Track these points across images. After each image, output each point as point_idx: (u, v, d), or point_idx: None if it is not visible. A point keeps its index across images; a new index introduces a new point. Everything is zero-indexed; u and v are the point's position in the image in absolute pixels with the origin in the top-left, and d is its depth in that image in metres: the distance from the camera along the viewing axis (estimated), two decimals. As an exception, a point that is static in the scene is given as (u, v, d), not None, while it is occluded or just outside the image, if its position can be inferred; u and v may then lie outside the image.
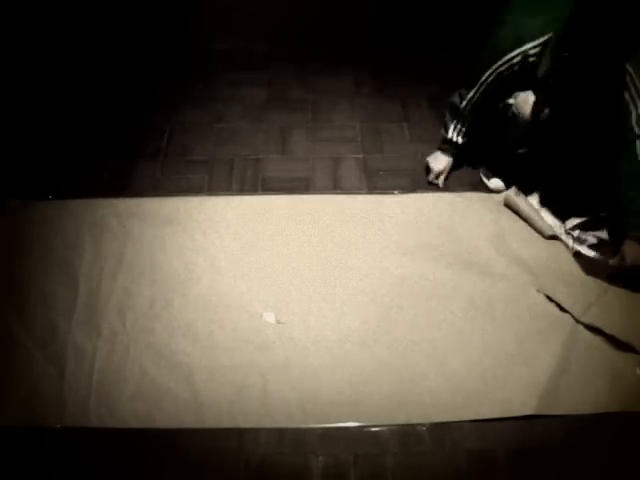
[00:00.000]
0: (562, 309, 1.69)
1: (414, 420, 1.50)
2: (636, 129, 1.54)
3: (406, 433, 1.49)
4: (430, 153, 2.05)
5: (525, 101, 1.72)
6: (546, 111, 1.69)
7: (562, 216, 1.90)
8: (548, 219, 1.89)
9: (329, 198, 1.98)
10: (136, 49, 2.53)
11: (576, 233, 1.86)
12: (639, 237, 1.64)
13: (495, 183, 1.99)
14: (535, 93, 1.70)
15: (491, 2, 1.70)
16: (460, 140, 1.94)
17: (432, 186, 2.02)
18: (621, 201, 1.65)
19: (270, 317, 1.68)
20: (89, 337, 1.64)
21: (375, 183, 2.04)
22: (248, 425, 1.50)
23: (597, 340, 1.63)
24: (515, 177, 1.95)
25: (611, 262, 1.74)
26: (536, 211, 1.90)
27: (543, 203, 1.92)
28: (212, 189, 2.02)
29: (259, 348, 1.62)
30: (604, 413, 1.51)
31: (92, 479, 1.44)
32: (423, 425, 1.50)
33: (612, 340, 1.62)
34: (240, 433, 1.49)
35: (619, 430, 1.49)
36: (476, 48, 1.74)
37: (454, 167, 2.05)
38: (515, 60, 1.64)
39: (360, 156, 2.12)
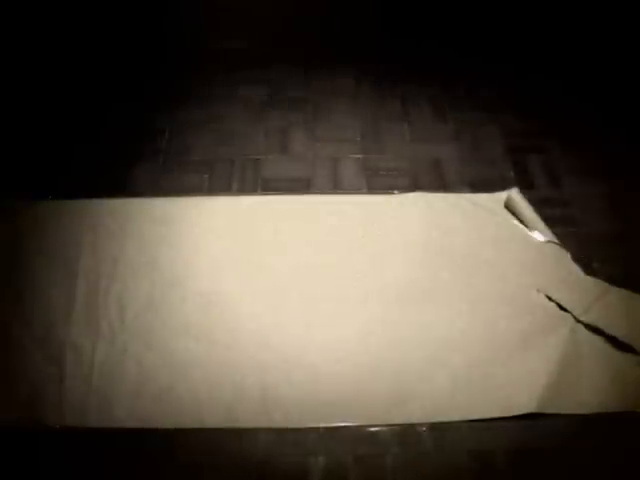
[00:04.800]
0: (562, 309, 1.69)
1: (414, 420, 1.50)
2: None
3: (406, 433, 1.49)
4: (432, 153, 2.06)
5: None
6: None
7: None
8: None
9: (329, 198, 1.98)
10: (136, 49, 2.52)
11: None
12: None
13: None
14: None
15: (493, 2, 1.70)
16: None
17: (432, 186, 2.02)
18: None
19: None
20: (88, 337, 1.63)
21: (375, 183, 2.03)
22: (247, 425, 1.50)
23: (597, 340, 1.62)
24: None
25: None
26: (536, 213, 1.90)
27: None
28: (212, 189, 2.02)
29: (259, 347, 1.62)
30: (605, 413, 1.51)
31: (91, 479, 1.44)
32: (423, 425, 1.50)
33: (612, 340, 1.62)
34: (240, 433, 1.48)
35: (620, 430, 1.49)
36: (477, 48, 1.74)
37: (454, 167, 2.05)
38: None
39: (360, 156, 2.12)
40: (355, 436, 1.48)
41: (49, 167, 2.07)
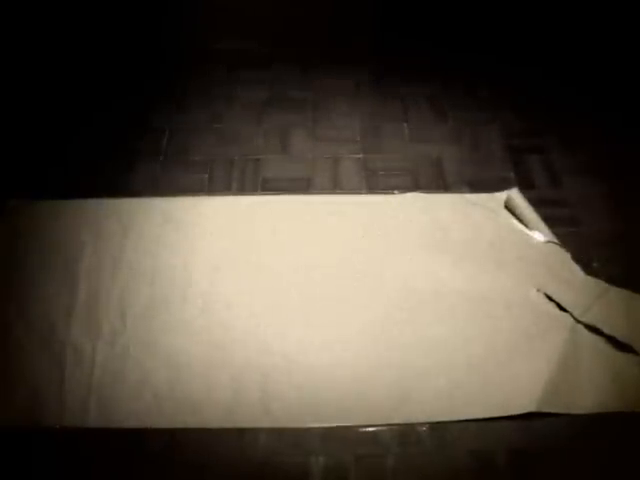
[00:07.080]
0: (562, 309, 1.69)
1: (414, 420, 1.50)
2: None
3: (406, 433, 1.48)
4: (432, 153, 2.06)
5: None
6: None
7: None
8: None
9: (329, 198, 1.98)
10: (136, 49, 2.52)
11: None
12: None
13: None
14: None
15: (493, 2, 1.70)
16: None
17: (431, 186, 2.02)
18: None
19: None
20: (89, 337, 1.63)
21: (375, 183, 2.03)
22: (248, 425, 1.50)
23: (598, 340, 1.62)
24: None
25: None
26: (536, 213, 1.90)
27: None
28: (212, 189, 2.01)
29: (259, 348, 1.62)
30: (605, 413, 1.50)
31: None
32: (423, 425, 1.50)
33: (612, 340, 1.62)
34: (240, 433, 1.48)
35: (620, 430, 1.49)
36: (476, 48, 1.74)
37: (454, 167, 2.05)
38: None
39: (360, 156, 2.12)
40: (355, 436, 1.48)
41: (48, 167, 2.07)
